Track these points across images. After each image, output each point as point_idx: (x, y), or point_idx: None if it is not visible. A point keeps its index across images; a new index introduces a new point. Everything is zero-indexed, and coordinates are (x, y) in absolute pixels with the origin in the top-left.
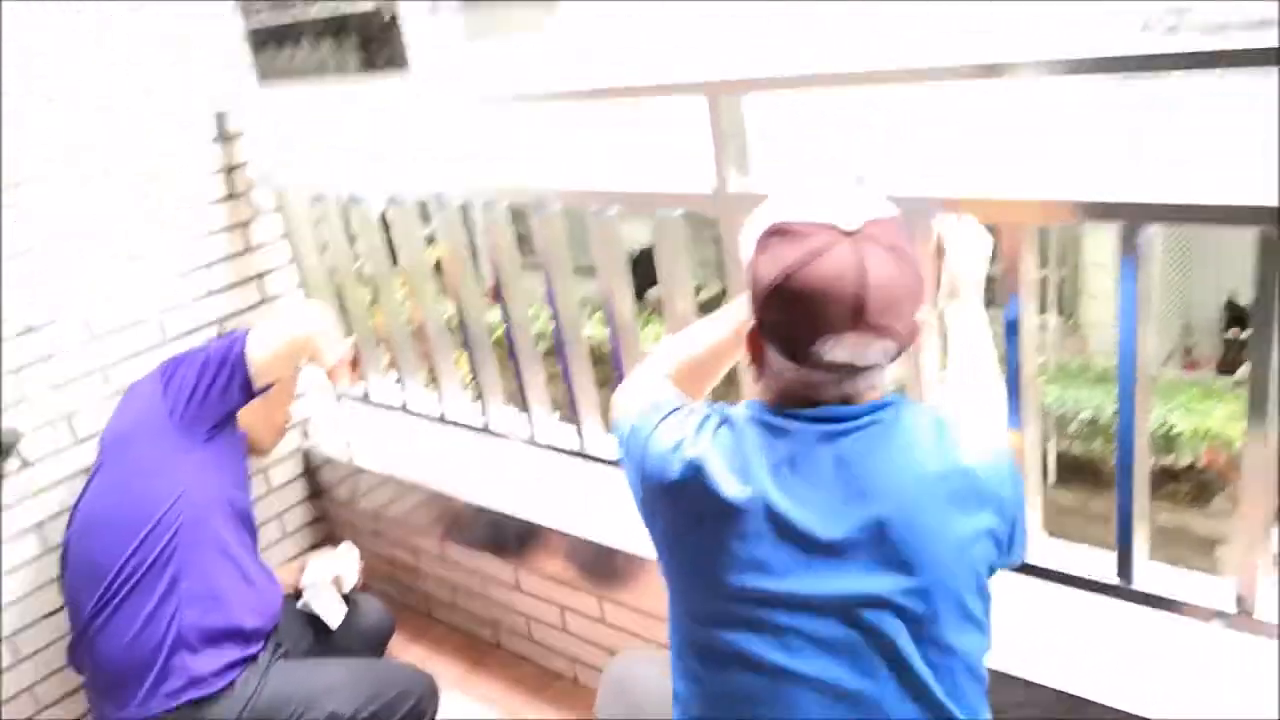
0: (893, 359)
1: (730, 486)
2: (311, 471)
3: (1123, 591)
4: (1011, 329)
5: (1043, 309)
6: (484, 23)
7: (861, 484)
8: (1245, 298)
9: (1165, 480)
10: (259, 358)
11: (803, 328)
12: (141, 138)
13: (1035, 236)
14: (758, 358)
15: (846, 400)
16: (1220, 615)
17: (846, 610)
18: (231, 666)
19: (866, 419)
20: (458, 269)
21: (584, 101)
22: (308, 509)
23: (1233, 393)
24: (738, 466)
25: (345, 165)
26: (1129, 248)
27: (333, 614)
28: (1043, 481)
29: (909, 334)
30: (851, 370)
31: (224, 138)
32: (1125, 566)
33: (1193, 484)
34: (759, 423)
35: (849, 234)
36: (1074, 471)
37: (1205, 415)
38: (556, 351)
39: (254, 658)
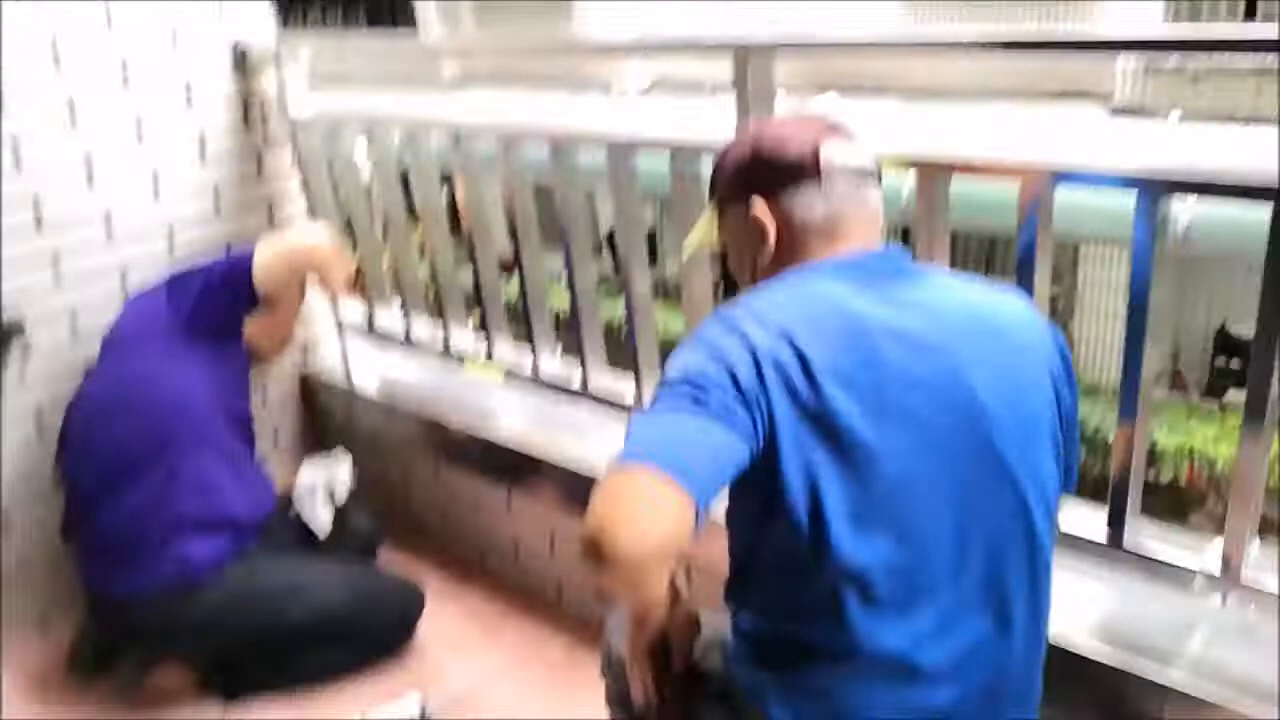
0: (878, 179)
1: None
2: (309, 394)
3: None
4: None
5: None
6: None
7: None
8: (1237, 326)
9: (1146, 492)
10: (264, 268)
11: (799, 143)
12: (164, 58)
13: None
14: (773, 226)
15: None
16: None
17: None
18: (222, 556)
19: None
20: (473, 202)
21: (613, 57)
22: (303, 428)
23: (1218, 416)
24: None
25: (361, 102)
26: (1148, 215)
27: (321, 522)
28: None
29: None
30: (859, 173)
31: (242, 67)
32: (1117, 529)
33: (1172, 499)
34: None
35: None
36: None
37: (1190, 434)
38: (569, 287)
39: (244, 551)
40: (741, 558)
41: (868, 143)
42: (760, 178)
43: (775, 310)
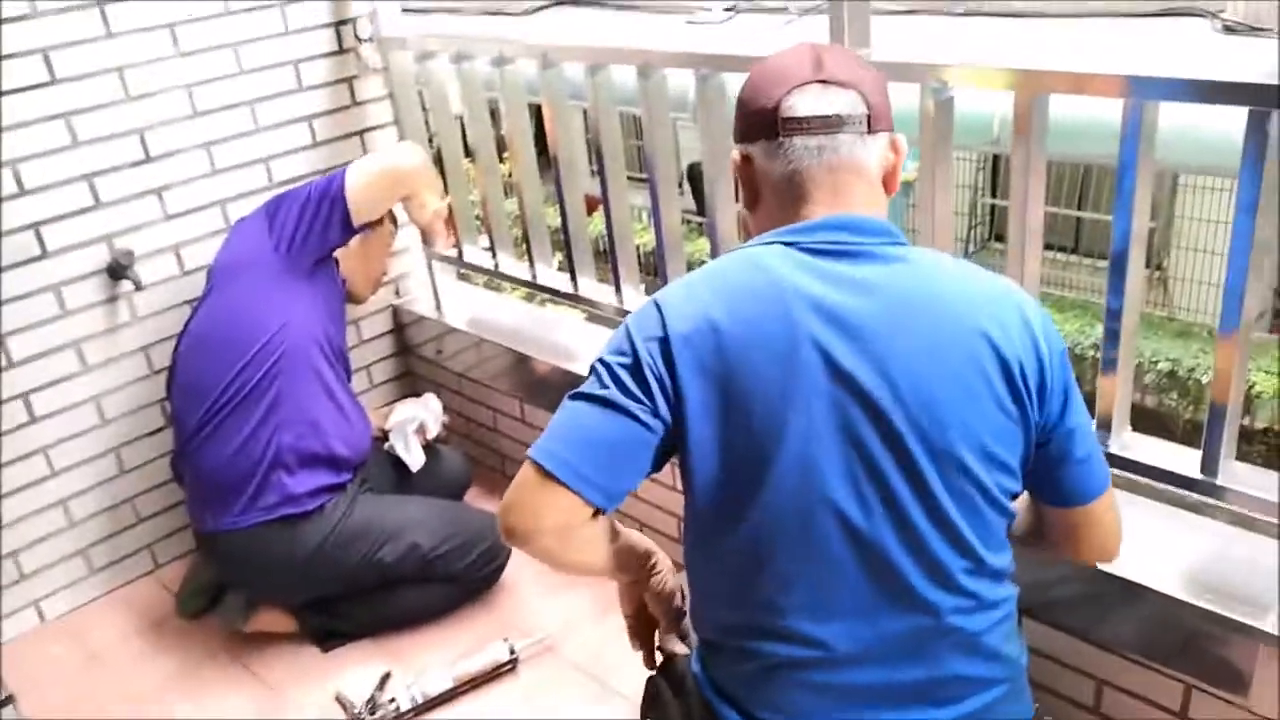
0: (868, 127)
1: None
2: (401, 328)
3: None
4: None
5: None
6: None
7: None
8: None
9: (1240, 440)
10: (358, 191)
11: (767, 92)
12: None
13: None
14: (749, 179)
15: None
16: None
17: None
18: (322, 490)
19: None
20: (558, 125)
21: None
22: (395, 364)
23: None
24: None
25: (454, 28)
26: (1256, 135)
27: (414, 457)
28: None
29: (877, 99)
30: (824, 125)
31: None
32: (1211, 472)
33: (1266, 447)
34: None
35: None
36: (1144, 424)
37: None
38: (653, 205)
39: (343, 486)
40: (685, 538)
41: (865, 80)
42: (738, 124)
43: (701, 287)
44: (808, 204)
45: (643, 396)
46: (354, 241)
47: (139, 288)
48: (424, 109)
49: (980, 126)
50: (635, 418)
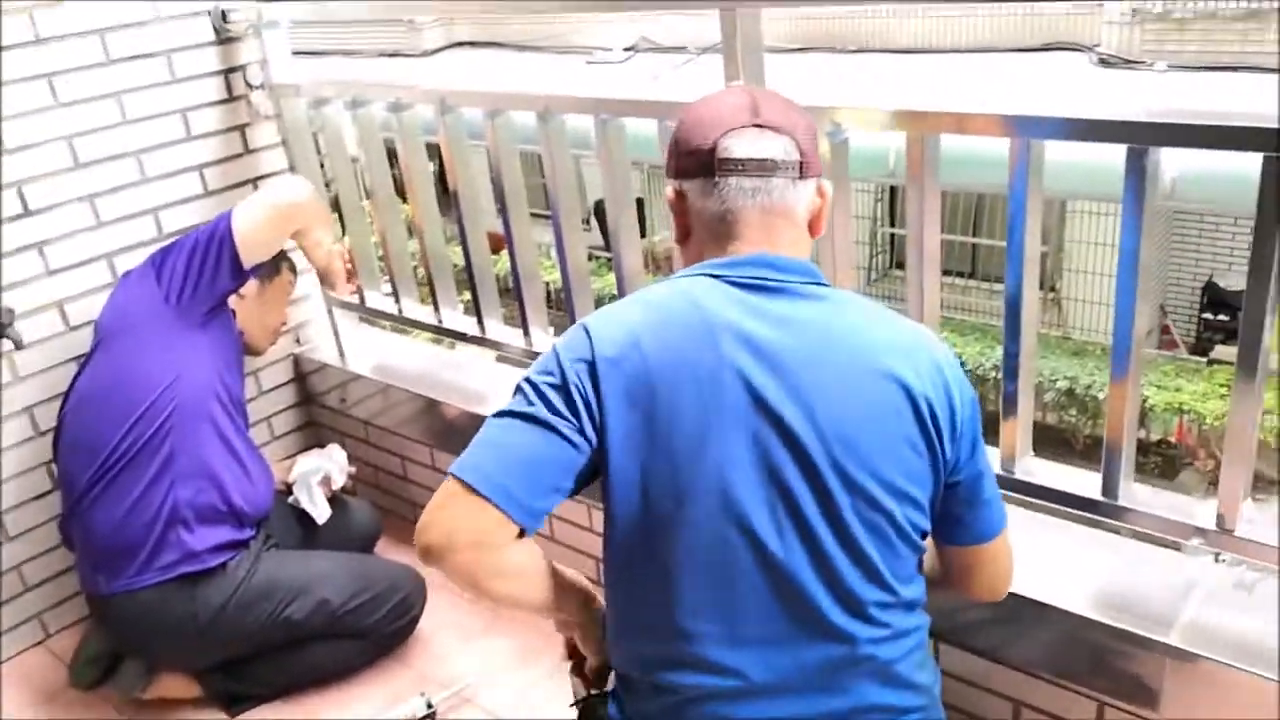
0: (799, 173)
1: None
2: (303, 377)
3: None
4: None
5: None
6: None
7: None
8: (1224, 280)
9: (1137, 452)
10: (246, 231)
11: (704, 132)
12: (143, 34)
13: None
14: (681, 214)
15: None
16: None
17: None
18: (224, 547)
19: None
20: (458, 168)
21: (600, 16)
22: (297, 414)
23: (1205, 372)
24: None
25: (348, 72)
26: (1135, 169)
27: (319, 510)
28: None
29: (809, 144)
30: (759, 168)
31: (224, 39)
32: (1111, 491)
33: (1161, 458)
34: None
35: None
36: (1045, 440)
37: (1178, 391)
38: (557, 246)
39: (246, 543)
40: (605, 571)
41: (799, 126)
42: (672, 161)
43: (630, 314)
44: (736, 241)
45: (569, 415)
46: (251, 291)
47: (20, 346)
48: (319, 153)
49: (876, 159)
50: (561, 434)
